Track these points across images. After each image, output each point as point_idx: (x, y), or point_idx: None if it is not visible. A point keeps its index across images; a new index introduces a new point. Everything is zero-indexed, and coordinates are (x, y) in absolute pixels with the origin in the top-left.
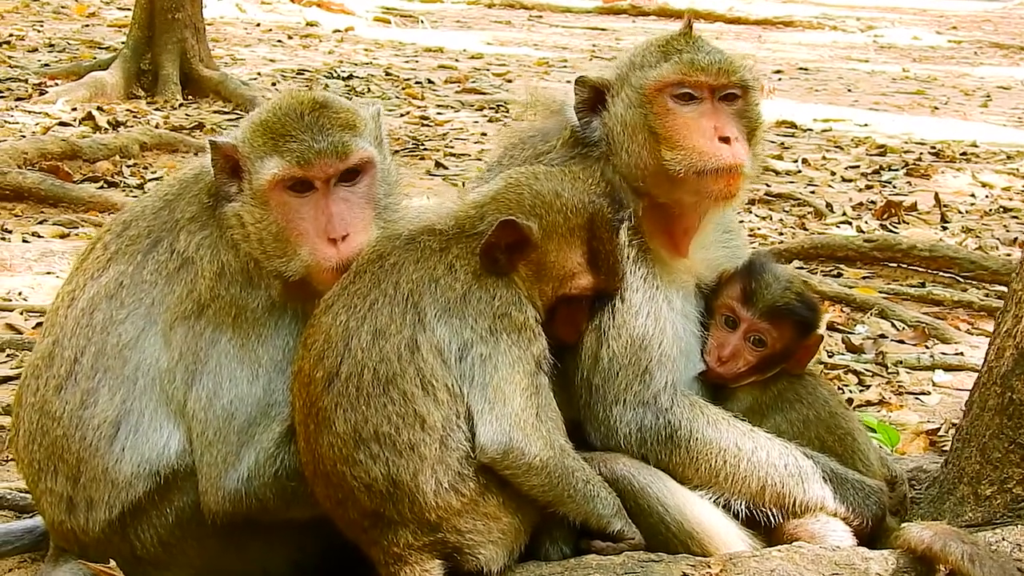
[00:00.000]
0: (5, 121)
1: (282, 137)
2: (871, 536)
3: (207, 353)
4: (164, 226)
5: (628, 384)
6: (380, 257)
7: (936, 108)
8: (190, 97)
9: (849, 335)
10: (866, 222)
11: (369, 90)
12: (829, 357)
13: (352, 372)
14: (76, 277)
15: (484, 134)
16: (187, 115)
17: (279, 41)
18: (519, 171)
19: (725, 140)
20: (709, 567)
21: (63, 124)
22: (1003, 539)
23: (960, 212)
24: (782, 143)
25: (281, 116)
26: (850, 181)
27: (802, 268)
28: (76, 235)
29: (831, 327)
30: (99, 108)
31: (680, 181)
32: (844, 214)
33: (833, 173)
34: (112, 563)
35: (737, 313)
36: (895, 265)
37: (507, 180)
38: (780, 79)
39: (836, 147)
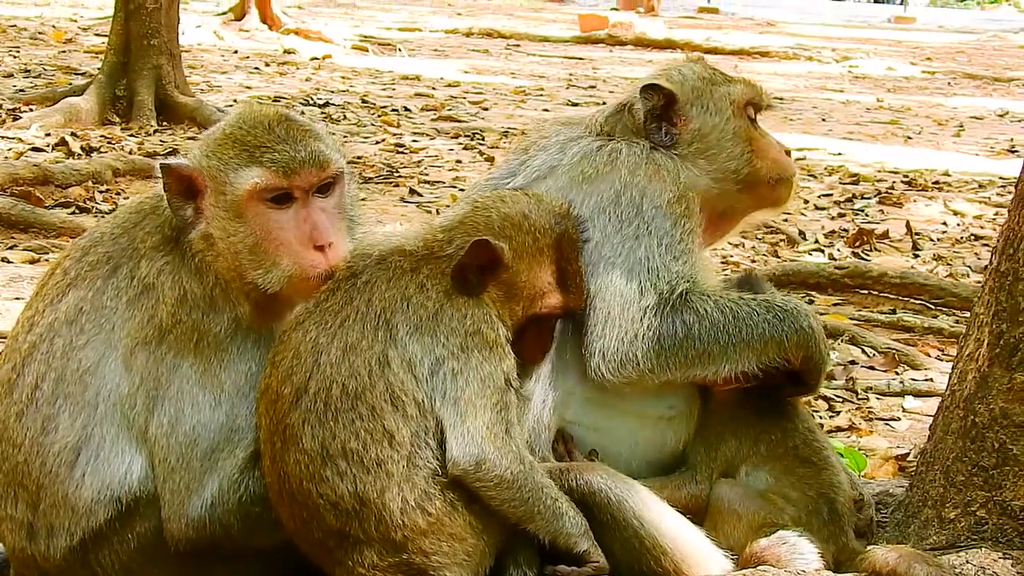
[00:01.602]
0: None
1: (257, 148)
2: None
3: (168, 379)
4: (124, 253)
5: (654, 304)
6: (353, 275)
7: (909, 138)
8: (165, 123)
9: None
10: (838, 250)
11: (345, 117)
12: None
13: (321, 387)
14: (35, 303)
15: (459, 161)
16: (161, 141)
17: (256, 68)
18: (485, 195)
19: (788, 153)
20: None
21: (36, 149)
22: (967, 562)
23: (932, 240)
24: None
25: (249, 128)
26: (823, 209)
27: None
28: (46, 260)
29: None
30: (73, 134)
31: (758, 185)
32: (816, 241)
33: (806, 201)
34: None
35: None
36: (866, 292)
37: (474, 204)
38: None
39: (810, 176)
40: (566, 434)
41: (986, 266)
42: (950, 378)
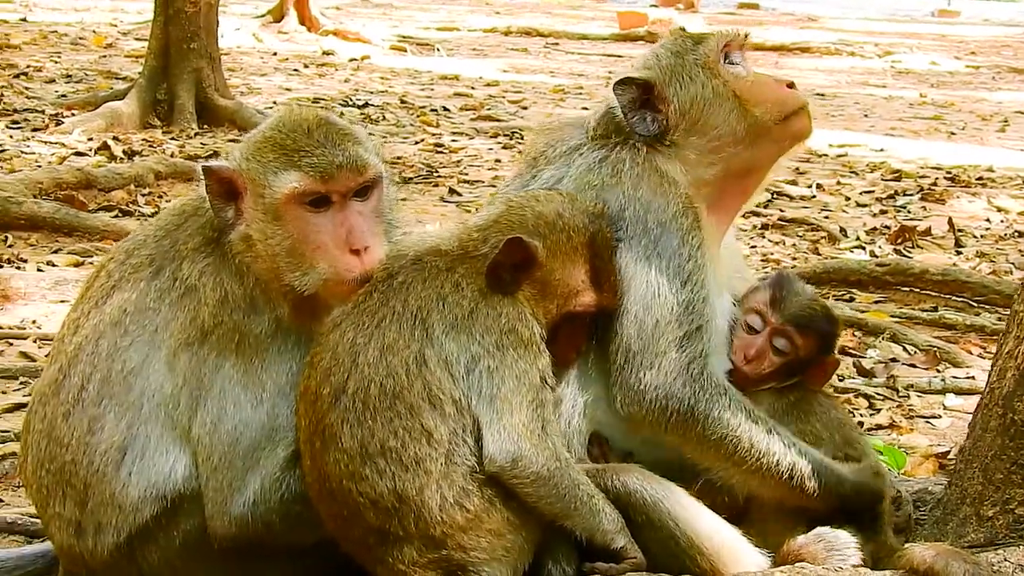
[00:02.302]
0: (22, 151)
1: (296, 152)
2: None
3: (211, 379)
4: (166, 255)
5: (666, 349)
6: (389, 276)
7: (953, 133)
8: (205, 126)
9: (860, 359)
10: (880, 247)
11: (384, 118)
12: (840, 381)
13: (359, 387)
14: (81, 305)
15: (498, 161)
16: (202, 144)
17: (295, 70)
18: (519, 195)
19: (791, 85)
20: None
21: (79, 154)
22: (1005, 559)
23: (975, 237)
24: (797, 168)
25: (288, 132)
26: (864, 206)
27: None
28: (90, 264)
29: (843, 351)
30: (115, 138)
31: (768, 131)
32: (858, 239)
33: (847, 198)
34: None
35: (764, 316)
36: (907, 289)
37: (508, 203)
38: None
39: (851, 172)
40: (601, 436)
41: None
42: (989, 375)
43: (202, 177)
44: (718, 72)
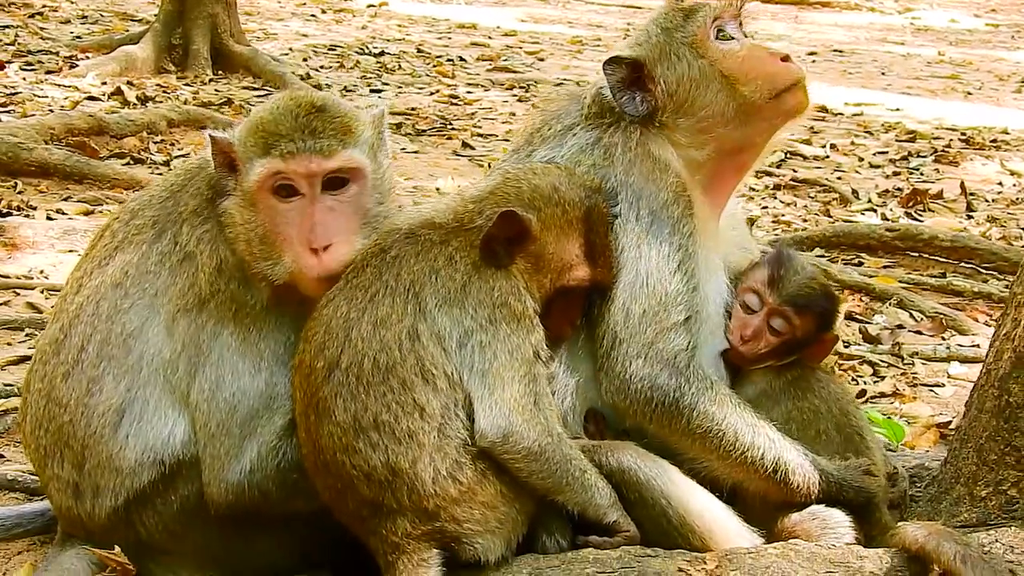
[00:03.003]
0: (35, 95)
1: (272, 135)
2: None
3: (209, 346)
4: (169, 217)
5: (653, 339)
6: (382, 251)
7: (969, 93)
8: (220, 72)
9: (866, 325)
10: (891, 209)
11: (400, 67)
12: (846, 347)
13: (352, 361)
14: (84, 264)
15: (513, 114)
16: (216, 91)
17: (312, 16)
18: (516, 167)
19: (785, 58)
20: (705, 563)
21: (92, 98)
22: (997, 541)
23: (986, 201)
24: (811, 127)
25: (277, 116)
26: (878, 167)
27: (823, 256)
28: (100, 212)
29: (849, 316)
30: (129, 83)
31: (758, 108)
32: (869, 201)
33: (861, 159)
34: (117, 549)
35: (762, 296)
36: (916, 255)
37: (505, 175)
38: (814, 61)
39: (866, 132)
40: (597, 413)
41: None
42: (986, 357)
43: (208, 144)
44: (706, 50)
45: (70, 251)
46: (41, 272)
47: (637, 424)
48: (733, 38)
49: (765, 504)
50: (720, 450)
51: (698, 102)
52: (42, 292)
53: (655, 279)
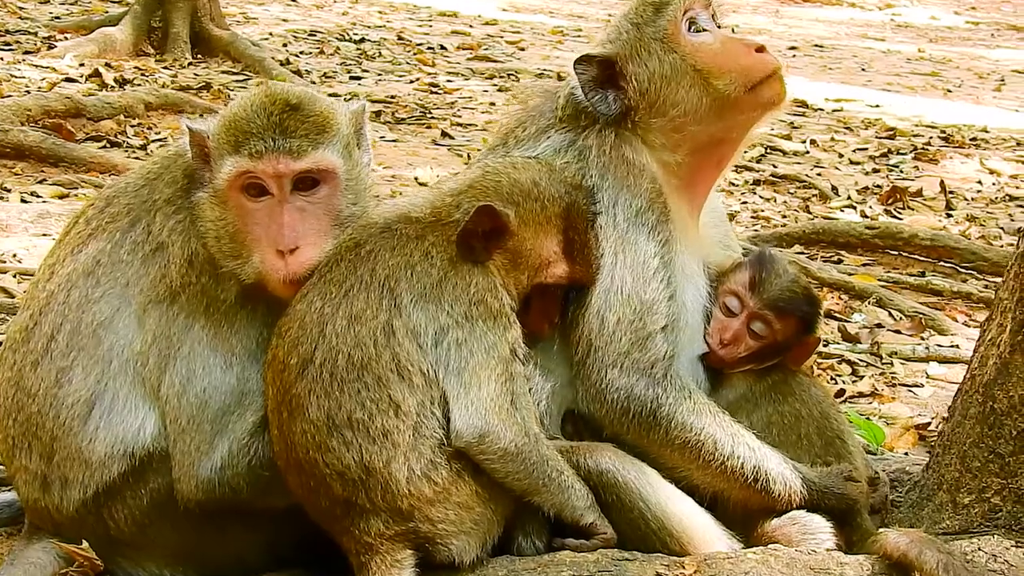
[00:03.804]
0: (12, 75)
1: (242, 133)
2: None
3: (180, 339)
4: (143, 206)
5: (628, 349)
6: (356, 245)
7: (949, 91)
8: (199, 56)
9: (845, 323)
10: (871, 207)
11: (380, 54)
12: (825, 346)
13: (327, 358)
14: (57, 251)
15: (492, 104)
16: (195, 75)
17: (293, 1)
18: (497, 160)
19: (760, 49)
20: (683, 567)
21: (69, 80)
22: (979, 549)
23: (966, 199)
24: (791, 123)
25: (250, 113)
26: (857, 164)
27: (802, 253)
28: (75, 196)
29: (828, 314)
30: (107, 64)
31: (734, 102)
32: (849, 198)
33: (841, 155)
34: (84, 544)
35: (743, 299)
36: (896, 253)
37: (484, 169)
38: (794, 55)
39: (846, 128)
40: (575, 415)
41: (1019, 229)
42: (971, 362)
43: (186, 134)
44: (677, 44)
45: (44, 235)
46: (14, 256)
47: (615, 433)
48: (706, 30)
49: (745, 509)
50: (699, 460)
51: (671, 99)
52: (14, 276)
53: (630, 287)
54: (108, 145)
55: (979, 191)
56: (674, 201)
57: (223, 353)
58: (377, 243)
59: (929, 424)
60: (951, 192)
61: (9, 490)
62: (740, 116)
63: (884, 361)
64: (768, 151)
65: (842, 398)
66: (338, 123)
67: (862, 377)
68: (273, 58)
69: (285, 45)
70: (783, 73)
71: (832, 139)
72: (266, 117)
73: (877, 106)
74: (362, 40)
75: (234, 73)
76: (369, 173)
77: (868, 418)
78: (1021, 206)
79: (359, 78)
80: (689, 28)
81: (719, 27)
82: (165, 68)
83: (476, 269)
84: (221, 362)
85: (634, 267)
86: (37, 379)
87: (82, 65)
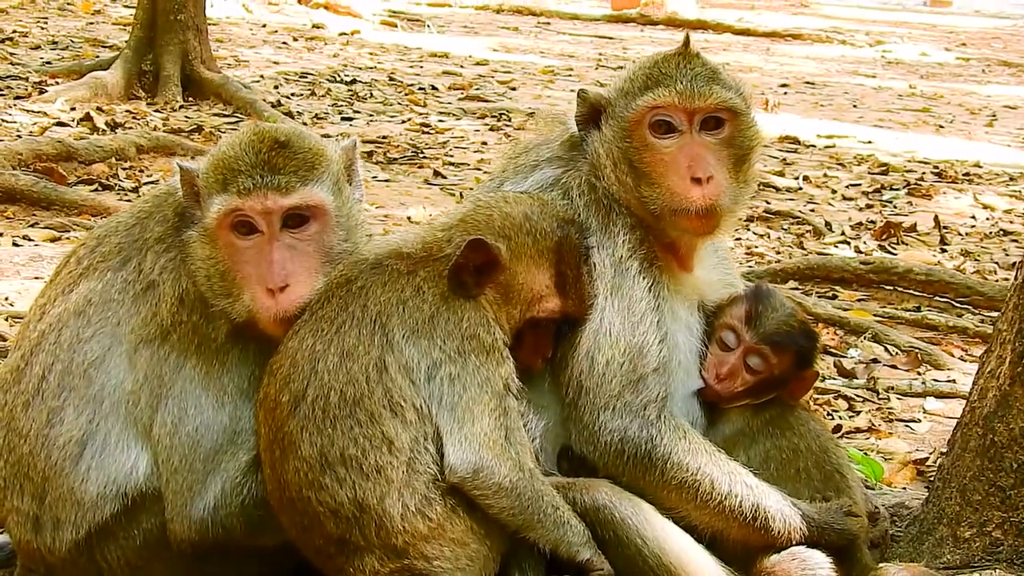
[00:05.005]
0: (3, 120)
1: (231, 171)
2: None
3: (171, 378)
4: (134, 244)
5: (620, 391)
6: (347, 281)
7: (941, 127)
8: (191, 99)
9: (841, 359)
10: (864, 242)
11: (372, 95)
12: (821, 382)
13: (319, 394)
14: (49, 291)
15: (484, 143)
16: (187, 117)
17: (284, 43)
18: (488, 195)
19: (697, 181)
20: None
21: (61, 124)
22: None
23: (960, 234)
24: (784, 159)
25: (238, 151)
26: (851, 200)
27: (797, 289)
28: (67, 239)
29: (824, 350)
30: (98, 108)
31: (658, 215)
32: (843, 233)
33: (834, 191)
34: None
35: (739, 334)
36: (891, 288)
37: (476, 203)
38: (786, 93)
39: (839, 164)
40: (571, 451)
41: (1014, 263)
42: (970, 395)
43: (178, 172)
44: (634, 135)
45: (36, 278)
46: (6, 299)
47: (610, 475)
48: (673, 132)
49: (745, 546)
50: (697, 500)
51: (608, 172)
52: (7, 319)
53: (618, 329)
54: (100, 188)
55: (973, 226)
56: (659, 251)
57: (215, 392)
58: (368, 279)
59: (927, 459)
60: (945, 227)
61: (1, 532)
62: (665, 227)
63: (881, 396)
64: (761, 187)
65: (839, 434)
66: (327, 159)
67: (859, 413)
68: (264, 100)
69: (276, 87)
70: (719, 206)
71: (825, 175)
72: (254, 154)
73: (869, 142)
74: (353, 81)
75: (226, 115)
76: (360, 209)
77: (866, 453)
78: (1015, 240)
79: (351, 119)
80: (655, 126)
81: (698, 133)
82: (156, 111)
83: (468, 304)
84: (213, 401)
85: (621, 310)
86: (28, 420)
87: (73, 109)
